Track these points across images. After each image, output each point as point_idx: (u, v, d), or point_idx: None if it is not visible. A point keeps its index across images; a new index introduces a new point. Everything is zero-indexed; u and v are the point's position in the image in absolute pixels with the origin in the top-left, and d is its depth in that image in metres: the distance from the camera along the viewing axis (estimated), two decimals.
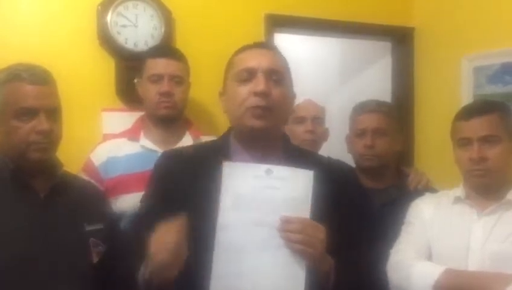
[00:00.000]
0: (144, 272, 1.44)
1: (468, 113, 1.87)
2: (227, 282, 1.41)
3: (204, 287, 1.40)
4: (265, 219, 1.42)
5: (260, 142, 1.56)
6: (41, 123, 1.64)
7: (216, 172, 1.46)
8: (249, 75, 1.54)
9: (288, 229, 1.40)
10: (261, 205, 1.43)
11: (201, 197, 1.47)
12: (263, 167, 1.46)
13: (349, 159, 2.43)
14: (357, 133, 2.29)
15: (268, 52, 1.59)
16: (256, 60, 1.55)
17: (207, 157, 1.56)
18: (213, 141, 1.77)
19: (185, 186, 1.53)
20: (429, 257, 1.86)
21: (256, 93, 1.51)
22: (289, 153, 1.62)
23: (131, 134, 2.36)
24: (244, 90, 1.53)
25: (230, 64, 1.62)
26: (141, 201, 1.70)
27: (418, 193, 2.13)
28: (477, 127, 1.82)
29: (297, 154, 1.63)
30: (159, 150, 2.18)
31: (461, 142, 1.86)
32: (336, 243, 1.45)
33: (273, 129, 1.56)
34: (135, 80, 2.40)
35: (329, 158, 1.82)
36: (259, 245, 1.42)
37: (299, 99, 2.72)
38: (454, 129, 1.90)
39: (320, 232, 1.42)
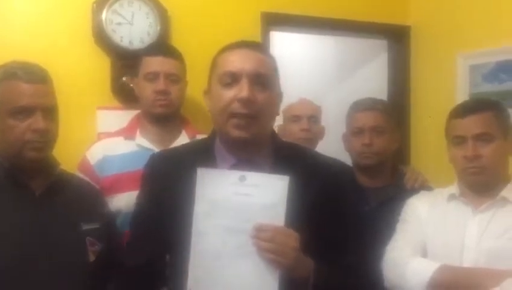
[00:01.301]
0: None
1: (463, 111, 1.87)
2: (202, 288, 1.41)
3: None
4: (239, 226, 1.41)
5: (245, 148, 1.53)
6: (38, 122, 1.64)
7: (195, 177, 1.45)
8: (232, 79, 1.48)
9: (260, 237, 1.39)
10: (235, 212, 1.42)
11: (181, 202, 1.47)
12: (237, 174, 1.45)
13: (345, 157, 2.43)
14: (354, 132, 2.29)
15: (253, 54, 1.52)
16: (240, 63, 1.49)
17: (192, 160, 1.53)
18: (201, 141, 1.74)
19: (167, 190, 1.52)
20: (424, 254, 1.86)
21: (239, 100, 1.46)
22: (278, 151, 1.59)
23: (127, 132, 2.35)
24: (227, 94, 1.48)
25: (214, 64, 1.56)
26: (135, 203, 1.69)
27: (415, 191, 2.13)
28: (471, 125, 1.82)
29: (286, 153, 1.59)
30: (155, 148, 2.18)
31: (455, 140, 1.86)
32: (321, 244, 1.45)
33: (257, 136, 1.52)
34: (124, 78, 2.38)
35: (322, 155, 1.81)
36: (233, 253, 1.41)
37: (294, 98, 2.75)
38: (449, 127, 1.91)
39: (292, 240, 1.39)
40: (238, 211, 1.42)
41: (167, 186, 1.53)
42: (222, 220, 1.43)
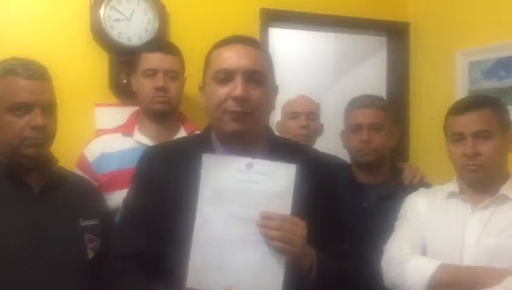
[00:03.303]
0: None
1: (461, 108, 1.87)
2: (204, 275, 1.39)
3: (181, 280, 1.39)
4: (245, 213, 1.40)
5: (240, 141, 1.53)
6: (36, 119, 1.63)
7: (197, 166, 1.44)
8: (226, 76, 1.48)
9: (267, 226, 1.38)
10: (241, 200, 1.41)
11: (181, 191, 1.46)
12: (244, 161, 1.44)
13: (344, 154, 2.43)
14: (352, 129, 2.29)
15: (247, 49, 1.51)
16: (234, 60, 1.48)
17: (189, 151, 1.54)
18: (196, 135, 1.74)
19: (165, 181, 1.51)
20: (424, 252, 1.86)
21: (234, 98, 1.46)
22: (273, 145, 1.60)
23: (126, 129, 2.35)
24: (222, 91, 1.48)
25: (208, 60, 1.57)
26: (124, 200, 1.65)
27: (413, 188, 2.13)
28: (470, 122, 1.81)
29: (281, 146, 1.61)
30: None
31: (454, 137, 1.85)
32: (320, 236, 1.45)
33: (253, 130, 1.52)
34: (128, 79, 2.37)
35: (317, 150, 1.81)
36: (239, 240, 1.40)
37: (293, 95, 2.75)
38: (447, 124, 1.90)
39: (300, 228, 1.40)
40: (244, 199, 1.41)
41: (164, 178, 1.52)
42: (227, 207, 1.41)
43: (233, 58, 1.49)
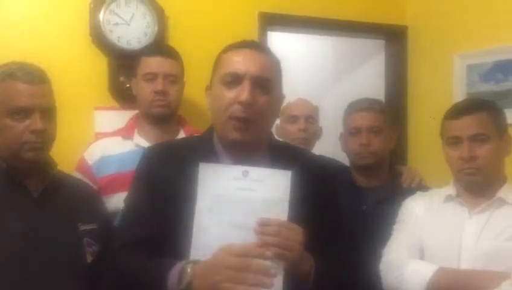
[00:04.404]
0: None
1: (457, 112, 1.87)
2: None
3: None
4: (242, 221, 1.40)
5: (242, 149, 1.53)
6: (36, 123, 1.64)
7: (196, 172, 1.44)
8: (234, 79, 1.48)
9: (265, 232, 1.38)
10: (238, 207, 1.41)
11: (181, 197, 1.46)
12: (240, 169, 1.44)
13: (343, 158, 2.44)
14: (351, 132, 2.30)
15: (258, 55, 1.51)
16: (244, 65, 1.48)
17: (191, 153, 1.54)
18: (199, 136, 1.73)
19: (166, 183, 1.50)
20: (422, 256, 1.86)
21: (240, 103, 1.46)
22: (274, 151, 1.60)
23: (125, 132, 2.35)
24: (228, 95, 1.48)
25: (218, 62, 1.56)
26: (125, 200, 1.65)
27: (412, 191, 2.13)
28: (466, 125, 1.82)
29: (283, 152, 1.60)
30: None
31: (451, 141, 1.86)
32: (319, 241, 1.45)
33: (255, 139, 1.52)
34: (121, 78, 2.36)
35: (317, 155, 1.81)
36: None
37: (292, 98, 2.75)
38: (444, 128, 1.91)
39: (297, 234, 1.40)
40: (241, 206, 1.41)
41: (166, 180, 1.51)
42: (225, 216, 1.41)
43: (242, 62, 1.49)
